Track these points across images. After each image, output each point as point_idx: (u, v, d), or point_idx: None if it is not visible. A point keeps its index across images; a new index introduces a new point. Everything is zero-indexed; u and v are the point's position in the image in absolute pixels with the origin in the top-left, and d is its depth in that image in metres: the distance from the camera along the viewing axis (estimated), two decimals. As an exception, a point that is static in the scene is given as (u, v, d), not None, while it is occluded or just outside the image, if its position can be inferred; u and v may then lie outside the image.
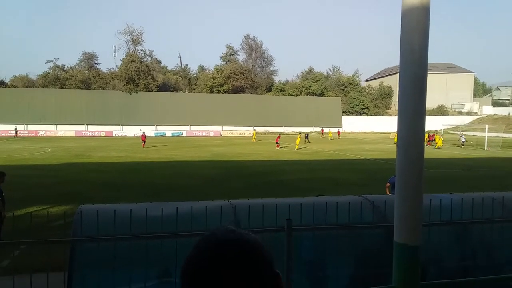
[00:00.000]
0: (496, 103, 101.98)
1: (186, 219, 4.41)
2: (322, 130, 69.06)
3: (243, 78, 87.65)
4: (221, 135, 70.81)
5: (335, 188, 16.52)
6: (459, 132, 51.99)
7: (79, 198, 13.80)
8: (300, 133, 50.07)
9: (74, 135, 66.15)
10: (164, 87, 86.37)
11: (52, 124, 69.55)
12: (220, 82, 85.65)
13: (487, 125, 52.32)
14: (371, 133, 77.64)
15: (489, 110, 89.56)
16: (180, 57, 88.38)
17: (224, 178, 20.11)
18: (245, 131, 72.18)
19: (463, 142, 45.12)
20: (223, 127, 74.46)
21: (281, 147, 40.48)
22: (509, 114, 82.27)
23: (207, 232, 0.97)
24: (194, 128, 73.65)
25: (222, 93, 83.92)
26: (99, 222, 4.21)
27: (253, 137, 57.08)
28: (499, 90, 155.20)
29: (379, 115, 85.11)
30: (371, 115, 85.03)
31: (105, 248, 4.34)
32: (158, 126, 72.34)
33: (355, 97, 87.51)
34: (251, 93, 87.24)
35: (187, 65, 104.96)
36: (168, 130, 71.07)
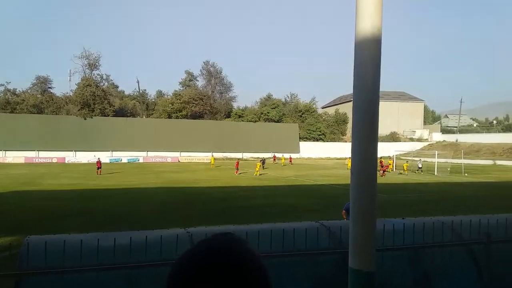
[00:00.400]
0: (444, 130, 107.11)
1: (140, 249, 4.27)
2: (274, 156, 69.42)
3: (202, 104, 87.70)
4: (179, 161, 69.95)
5: (293, 214, 16.59)
6: (416, 158, 53.94)
7: (26, 228, 13.09)
8: (261, 160, 49.93)
9: (23, 162, 63.27)
10: (121, 112, 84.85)
11: (1, 150, 66.33)
12: (178, 107, 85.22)
13: (436, 151, 54.66)
14: (328, 158, 79.20)
15: (438, 136, 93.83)
16: (138, 82, 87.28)
17: (181, 205, 19.76)
18: (204, 156, 71.72)
19: (419, 167, 46.30)
20: (181, 153, 73.69)
21: (240, 173, 40.45)
22: (456, 140, 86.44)
23: (203, 239, 0.90)
24: (151, 154, 72.39)
25: (180, 118, 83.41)
26: (47, 254, 3.99)
27: (212, 163, 56.49)
28: (447, 117, 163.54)
29: (335, 141, 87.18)
30: (327, 141, 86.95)
31: (54, 281, 4.11)
32: (113, 152, 70.57)
33: (312, 124, 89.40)
34: (210, 118, 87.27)
35: (145, 90, 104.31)
36: (124, 156, 69.44)
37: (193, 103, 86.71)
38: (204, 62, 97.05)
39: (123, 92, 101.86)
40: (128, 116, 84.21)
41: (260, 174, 40.01)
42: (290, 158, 65.00)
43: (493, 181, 36.36)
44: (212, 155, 64.31)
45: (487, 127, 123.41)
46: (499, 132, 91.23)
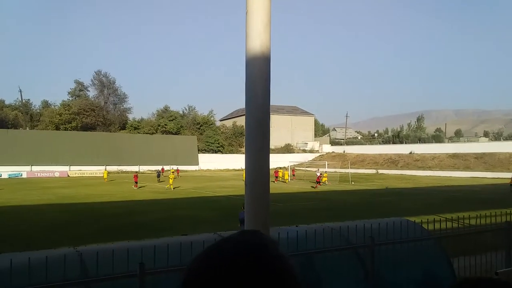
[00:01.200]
0: (333, 142, 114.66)
1: (22, 272, 3.91)
2: (163, 169, 65.12)
3: (94, 115, 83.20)
4: (68, 176, 65.14)
5: (192, 227, 16.44)
6: (310, 169, 56.70)
7: None
8: (173, 171, 46.81)
9: None
10: (0, 124, 76.94)
11: None
12: (67, 118, 79.81)
13: (326, 162, 58.32)
14: (227, 170, 79.98)
15: (328, 148, 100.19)
16: (20, 91, 79.22)
17: (71, 223, 18.43)
18: (97, 170, 67.75)
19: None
20: (71, 166, 68.71)
21: (140, 187, 38.89)
22: (344, 151, 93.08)
23: (226, 237, 0.79)
24: (36, 168, 66.37)
25: (70, 130, 78.13)
26: None
27: (104, 177, 53.28)
28: (336, 130, 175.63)
29: (233, 153, 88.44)
30: (226, 153, 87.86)
31: None
32: (-9, 167, 63.46)
33: (211, 136, 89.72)
34: (103, 130, 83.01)
35: (28, 99, 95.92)
36: (4, 171, 62.76)
37: (84, 114, 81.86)
38: (95, 72, 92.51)
39: (3, 101, 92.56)
40: (9, 128, 76.62)
41: (174, 188, 37.99)
42: (178, 170, 60.86)
43: (375, 188, 39.75)
44: (106, 169, 60.05)
45: (370, 139, 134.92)
46: (380, 144, 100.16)
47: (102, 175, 61.86)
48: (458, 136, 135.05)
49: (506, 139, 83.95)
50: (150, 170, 69.72)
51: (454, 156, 71.86)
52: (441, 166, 70.25)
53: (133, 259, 4.18)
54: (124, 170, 71.53)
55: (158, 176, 49.40)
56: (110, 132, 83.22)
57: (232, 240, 0.77)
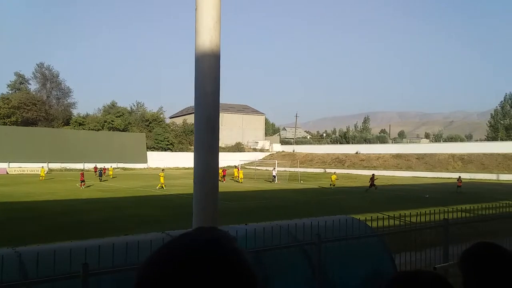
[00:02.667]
0: (283, 141, 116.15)
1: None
2: (95, 167, 56.15)
3: (36, 110, 79.37)
4: (7, 173, 61.65)
5: (139, 226, 16.06)
6: (260, 167, 56.97)
7: None
8: (162, 169, 42.30)
9: None
10: None
11: None
12: (7, 113, 75.56)
13: (276, 161, 58.94)
14: (177, 168, 78.88)
15: (278, 147, 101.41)
16: (-47, 81, 73.20)
17: (9, 223, 17.45)
18: (38, 167, 64.53)
19: (274, 176, 47.22)
20: (10, 163, 65.06)
21: (87, 186, 37.33)
22: (293, 151, 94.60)
23: (181, 234, 0.77)
24: (-30, 165, 62.37)
25: (9, 125, 74.01)
26: None
27: (41, 174, 48.01)
28: (285, 130, 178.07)
29: (184, 151, 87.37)
30: (175, 151, 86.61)
31: None
32: None
33: (160, 133, 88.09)
34: (45, 126, 79.31)
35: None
36: None
37: (25, 109, 77.86)
38: (37, 64, 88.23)
39: None
40: None
41: (162, 188, 35.43)
42: (104, 169, 50.59)
43: (323, 187, 40.71)
44: (43, 167, 54.29)
45: (318, 139, 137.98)
46: (328, 144, 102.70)
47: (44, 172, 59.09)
48: (401, 137, 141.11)
49: (445, 140, 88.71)
50: (89, 168, 65.72)
51: (397, 156, 75.06)
52: (385, 165, 73.15)
53: (76, 260, 4.02)
54: (68, 167, 68.76)
55: (100, 175, 45.83)
56: (53, 127, 79.66)
57: (186, 237, 0.76)
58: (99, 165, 55.45)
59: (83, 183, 36.22)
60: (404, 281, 1.10)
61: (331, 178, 41.62)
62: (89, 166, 69.20)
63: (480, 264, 1.57)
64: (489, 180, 55.67)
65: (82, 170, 45.20)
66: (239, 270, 0.72)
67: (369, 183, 36.06)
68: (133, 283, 0.73)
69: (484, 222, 7.92)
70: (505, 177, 56.06)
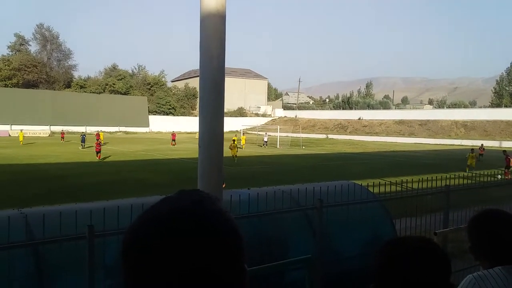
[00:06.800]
0: (285, 107, 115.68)
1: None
2: (98, 134, 55.37)
3: (37, 72, 78.85)
4: (9, 135, 61.89)
5: (142, 190, 16.22)
6: (261, 132, 56.94)
7: None
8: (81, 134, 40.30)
9: None
10: None
11: None
12: (8, 74, 75.15)
13: (278, 126, 58.94)
14: (179, 133, 78.91)
15: (280, 112, 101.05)
16: (-48, 42, 72.22)
17: (14, 184, 17.68)
18: (40, 130, 64.80)
19: (265, 141, 48.27)
20: (12, 125, 65.16)
21: (84, 148, 37.64)
22: (296, 116, 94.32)
23: (165, 197, 0.78)
24: (-28, 127, 62.57)
25: (10, 87, 73.67)
26: None
27: (20, 139, 43.89)
28: (288, 95, 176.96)
29: (186, 116, 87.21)
30: (177, 115, 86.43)
31: None
32: None
33: (162, 97, 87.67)
34: (46, 88, 78.95)
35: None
36: None
37: (26, 71, 77.33)
38: (37, 25, 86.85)
39: None
40: None
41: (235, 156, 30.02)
42: (97, 135, 38.83)
43: (325, 152, 40.86)
44: (21, 130, 49.80)
45: (321, 104, 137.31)
46: (331, 109, 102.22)
47: (47, 135, 59.35)
48: (404, 103, 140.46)
49: (449, 107, 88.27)
50: (102, 131, 66.22)
51: (400, 122, 74.85)
52: (388, 132, 73.10)
53: (82, 222, 4.07)
54: (69, 130, 68.96)
55: (83, 140, 40.11)
56: (54, 90, 79.30)
57: (168, 200, 0.77)
58: (103, 129, 54.96)
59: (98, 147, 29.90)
60: (394, 245, 1.23)
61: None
62: (90, 129, 68.94)
63: (489, 230, 1.58)
64: (492, 147, 55.76)
65: (98, 132, 42.51)
66: (224, 230, 0.73)
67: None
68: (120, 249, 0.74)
69: (486, 189, 7.97)
70: (508, 144, 55.99)
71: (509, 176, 18.98)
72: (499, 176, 16.48)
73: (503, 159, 22.99)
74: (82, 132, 49.54)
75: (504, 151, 24.05)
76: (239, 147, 41.11)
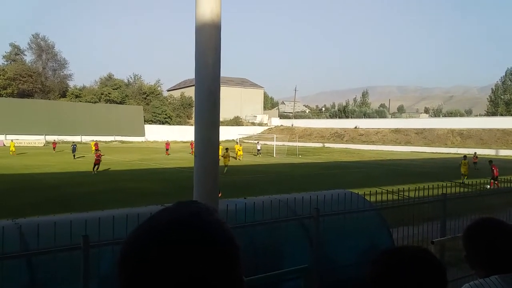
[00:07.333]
0: (282, 116, 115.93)
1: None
2: (96, 144, 51.90)
3: (32, 81, 78.72)
4: (4, 145, 61.52)
5: (137, 199, 16.14)
6: (254, 141, 56.93)
7: None
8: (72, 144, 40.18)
9: None
10: None
11: None
12: (3, 84, 74.95)
13: (275, 135, 58.92)
14: (175, 142, 78.87)
15: (276, 121, 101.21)
16: None
17: (8, 194, 17.54)
18: (35, 140, 64.49)
19: (258, 150, 48.64)
20: (7, 135, 64.75)
21: (78, 157, 37.45)
22: (292, 125, 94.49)
23: (163, 208, 0.78)
24: (-33, 137, 62.16)
25: (5, 96, 73.49)
26: None
27: (11, 149, 42.94)
28: (284, 104, 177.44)
29: (182, 125, 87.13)
30: (173, 125, 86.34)
31: None
32: None
33: (158, 106, 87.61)
34: (41, 98, 78.79)
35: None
36: None
37: (21, 80, 77.20)
38: (33, 35, 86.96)
39: None
40: None
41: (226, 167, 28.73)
42: (96, 144, 42.35)
43: (321, 161, 40.87)
44: (12, 140, 49.88)
45: (317, 113, 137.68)
46: (327, 118, 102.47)
47: (41, 145, 59.02)
48: (400, 112, 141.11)
49: (445, 115, 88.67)
50: (94, 141, 66.25)
51: (396, 131, 75.09)
52: (384, 140, 73.28)
53: (77, 232, 4.04)
54: (64, 140, 68.64)
55: (74, 150, 38.79)
56: (50, 99, 79.13)
57: (166, 211, 0.77)
58: (98, 139, 54.77)
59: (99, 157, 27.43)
60: (390, 254, 1.23)
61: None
62: (86, 139, 68.66)
63: (485, 239, 1.58)
64: (488, 155, 55.99)
65: (95, 141, 42.07)
66: (222, 241, 0.73)
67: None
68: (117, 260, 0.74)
69: (482, 197, 7.98)
70: (504, 152, 56.19)
71: (497, 186, 18.78)
72: (488, 186, 16.44)
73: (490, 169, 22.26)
74: (73, 142, 49.01)
75: (490, 160, 23.93)
76: (238, 158, 39.62)
